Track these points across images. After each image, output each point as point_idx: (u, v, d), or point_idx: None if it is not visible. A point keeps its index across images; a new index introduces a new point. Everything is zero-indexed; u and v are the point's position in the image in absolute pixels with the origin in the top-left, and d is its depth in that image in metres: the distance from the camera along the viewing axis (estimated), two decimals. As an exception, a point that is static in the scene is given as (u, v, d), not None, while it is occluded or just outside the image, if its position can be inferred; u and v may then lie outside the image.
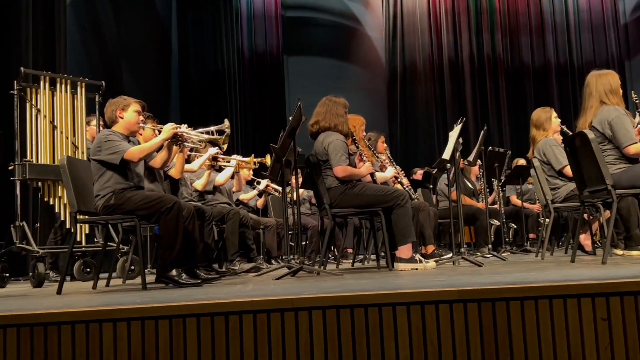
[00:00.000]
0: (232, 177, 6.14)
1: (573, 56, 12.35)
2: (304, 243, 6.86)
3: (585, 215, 4.87)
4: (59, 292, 3.74)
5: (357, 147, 4.87)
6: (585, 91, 4.35)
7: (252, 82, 11.65)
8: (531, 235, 7.98)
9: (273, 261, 6.67)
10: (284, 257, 6.56)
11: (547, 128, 5.14)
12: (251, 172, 6.70)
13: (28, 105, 5.31)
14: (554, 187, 5.02)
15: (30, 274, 5.01)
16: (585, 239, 5.22)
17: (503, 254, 5.84)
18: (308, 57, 11.82)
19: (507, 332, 2.04)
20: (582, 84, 4.45)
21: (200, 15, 11.48)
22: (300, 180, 4.76)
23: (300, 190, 5.16)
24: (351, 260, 6.55)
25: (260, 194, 7.44)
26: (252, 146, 10.56)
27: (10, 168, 5.28)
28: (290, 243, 6.45)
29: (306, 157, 4.73)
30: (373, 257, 6.27)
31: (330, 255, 7.13)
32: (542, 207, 5.50)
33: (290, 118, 4.30)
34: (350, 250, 7.23)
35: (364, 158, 4.82)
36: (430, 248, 5.44)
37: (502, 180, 7.38)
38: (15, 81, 5.25)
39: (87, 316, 2.10)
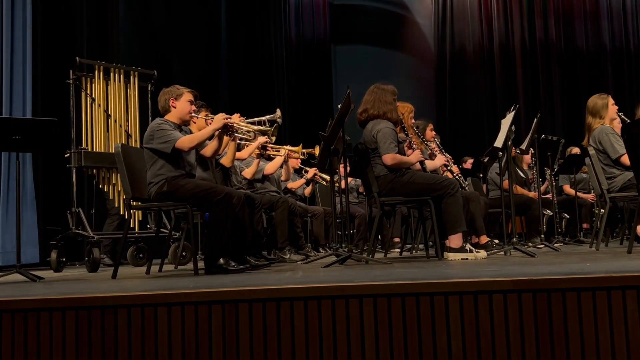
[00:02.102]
0: (280, 167, 6.17)
1: (630, 41, 11.88)
2: (351, 232, 6.85)
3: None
4: (114, 276, 3.85)
5: (407, 135, 4.82)
6: (645, 77, 4.21)
7: (300, 70, 11.65)
8: (585, 226, 7.77)
9: (320, 249, 6.70)
10: (331, 245, 6.57)
11: (604, 115, 4.98)
12: (299, 160, 6.71)
13: (83, 94, 5.45)
14: (610, 176, 4.87)
15: (86, 258, 5.16)
16: (642, 230, 5.06)
17: (555, 245, 5.71)
18: (356, 45, 11.72)
19: (563, 323, 2.00)
20: (638, 70, 4.31)
21: (249, 3, 11.52)
22: (348, 168, 4.74)
23: (348, 179, 5.14)
24: (399, 250, 6.51)
25: (307, 182, 7.47)
26: (299, 133, 10.57)
27: (66, 156, 5.44)
28: (337, 232, 6.46)
29: (354, 146, 4.71)
30: (421, 246, 6.22)
31: (377, 245, 7.11)
32: (597, 197, 5.34)
33: (338, 106, 4.28)
34: (397, 240, 7.19)
35: (413, 146, 4.76)
36: (484, 239, 5.32)
37: (555, 169, 7.21)
38: (71, 71, 5.39)
39: (142, 300, 2.15)
